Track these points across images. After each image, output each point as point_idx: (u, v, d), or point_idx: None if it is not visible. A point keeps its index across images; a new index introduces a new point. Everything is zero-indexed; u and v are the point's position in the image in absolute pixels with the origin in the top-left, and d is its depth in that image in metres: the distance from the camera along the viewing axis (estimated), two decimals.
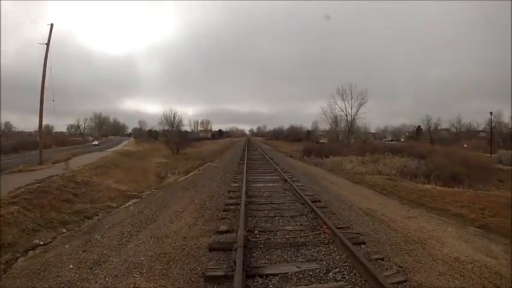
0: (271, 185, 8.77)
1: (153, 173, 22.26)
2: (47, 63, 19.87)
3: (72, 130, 77.38)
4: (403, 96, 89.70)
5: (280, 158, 20.04)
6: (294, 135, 74.84)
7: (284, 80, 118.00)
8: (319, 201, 6.52)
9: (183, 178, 16.79)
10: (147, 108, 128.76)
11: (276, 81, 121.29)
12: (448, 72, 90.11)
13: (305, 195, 6.69)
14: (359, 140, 47.32)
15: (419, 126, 69.90)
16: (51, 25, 20.80)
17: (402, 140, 68.29)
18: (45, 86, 19.82)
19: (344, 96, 47.08)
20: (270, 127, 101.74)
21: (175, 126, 49.60)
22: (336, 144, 42.56)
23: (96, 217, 9.32)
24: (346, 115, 47.25)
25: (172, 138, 44.48)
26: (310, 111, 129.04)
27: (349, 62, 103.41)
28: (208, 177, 11.07)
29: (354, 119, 46.88)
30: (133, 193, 13.51)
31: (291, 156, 27.21)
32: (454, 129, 58.97)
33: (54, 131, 70.91)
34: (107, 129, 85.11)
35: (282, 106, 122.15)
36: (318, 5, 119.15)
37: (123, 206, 10.92)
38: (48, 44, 20.39)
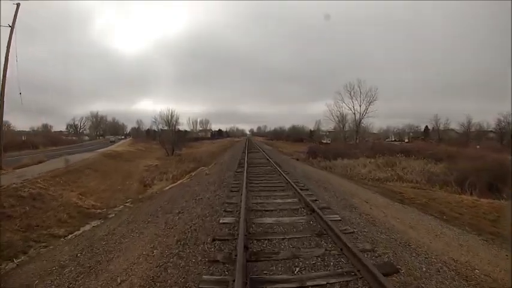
0: (288, 220, 4.98)
1: (137, 179, 19.14)
2: (11, 48, 16.75)
3: (71, 130, 75.19)
4: (404, 97, 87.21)
5: (286, 162, 16.89)
6: (295, 135, 72.15)
7: (285, 80, 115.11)
8: (395, 273, 3.18)
9: (168, 187, 13.73)
10: (146, 107, 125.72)
11: (277, 82, 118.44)
12: (448, 73, 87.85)
13: (364, 256, 3.34)
14: (363, 140, 43.89)
15: (426, 126, 67.24)
16: (18, 4, 17.75)
17: (406, 140, 65.82)
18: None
19: (352, 93, 43.54)
20: (271, 127, 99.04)
21: (172, 125, 46.87)
22: (342, 144, 39.35)
23: (21, 257, 6.21)
24: (354, 113, 43.60)
25: (167, 138, 41.60)
26: (311, 112, 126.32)
27: (349, 63, 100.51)
28: (193, 194, 7.92)
29: (362, 117, 43.14)
30: (99, 211, 10.38)
31: (297, 159, 24.10)
32: (464, 129, 56.12)
33: (53, 130, 68.20)
34: (105, 128, 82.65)
35: (282, 106, 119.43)
36: (318, 5, 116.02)
37: (74, 233, 7.84)
38: (12, 27, 17.30)
